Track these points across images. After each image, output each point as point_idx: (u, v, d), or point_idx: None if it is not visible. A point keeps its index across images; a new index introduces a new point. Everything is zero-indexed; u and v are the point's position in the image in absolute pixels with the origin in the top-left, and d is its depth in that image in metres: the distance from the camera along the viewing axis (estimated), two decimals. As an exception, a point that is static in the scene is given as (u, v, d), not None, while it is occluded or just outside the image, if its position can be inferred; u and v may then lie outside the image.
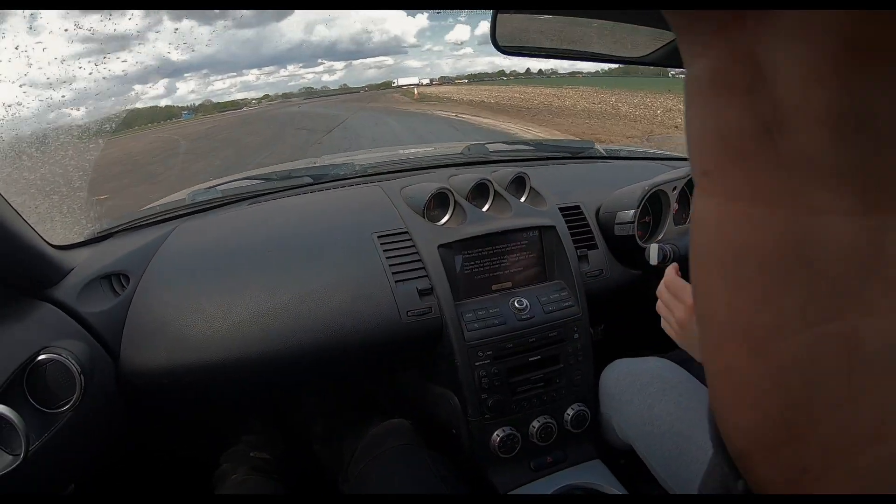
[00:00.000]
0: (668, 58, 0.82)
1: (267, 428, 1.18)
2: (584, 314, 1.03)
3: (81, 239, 1.03)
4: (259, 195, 1.12)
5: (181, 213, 1.08)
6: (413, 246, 0.98)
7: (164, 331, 0.88)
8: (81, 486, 0.80)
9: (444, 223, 1.03)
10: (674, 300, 0.83)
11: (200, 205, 1.10)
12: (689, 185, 1.15)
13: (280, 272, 0.94)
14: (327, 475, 1.15)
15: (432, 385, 1.04)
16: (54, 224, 1.05)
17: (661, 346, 1.19)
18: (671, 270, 0.88)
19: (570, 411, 1.01)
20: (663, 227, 1.12)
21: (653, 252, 1.00)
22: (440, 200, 1.03)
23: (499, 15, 0.79)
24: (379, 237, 0.98)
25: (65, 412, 0.73)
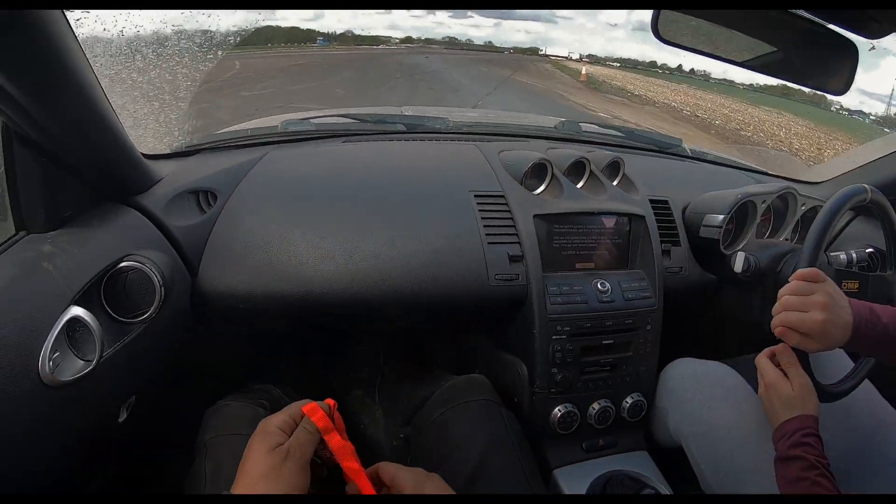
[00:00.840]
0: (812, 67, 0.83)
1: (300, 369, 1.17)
2: (661, 306, 1.03)
3: (169, 150, 1.02)
4: (353, 134, 1.11)
5: (273, 139, 1.07)
6: (508, 211, 0.98)
7: (248, 255, 0.88)
8: (140, 400, 0.79)
9: (540, 193, 1.03)
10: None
11: (293, 135, 1.09)
12: (780, 199, 1.16)
13: (373, 214, 0.94)
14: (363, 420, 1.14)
15: (501, 353, 1.05)
16: (147, 131, 1.04)
17: (722, 352, 1.19)
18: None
19: (629, 399, 1.02)
20: (745, 237, 1.13)
21: (739, 259, 1.01)
22: (537, 171, 1.03)
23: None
24: (476, 196, 0.98)
25: (140, 322, 0.73)
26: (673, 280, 1.07)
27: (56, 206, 0.70)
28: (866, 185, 0.86)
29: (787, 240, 1.19)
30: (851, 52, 0.80)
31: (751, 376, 1.14)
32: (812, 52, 0.82)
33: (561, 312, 0.96)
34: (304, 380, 1.18)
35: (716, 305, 1.16)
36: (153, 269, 0.75)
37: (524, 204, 0.99)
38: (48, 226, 0.69)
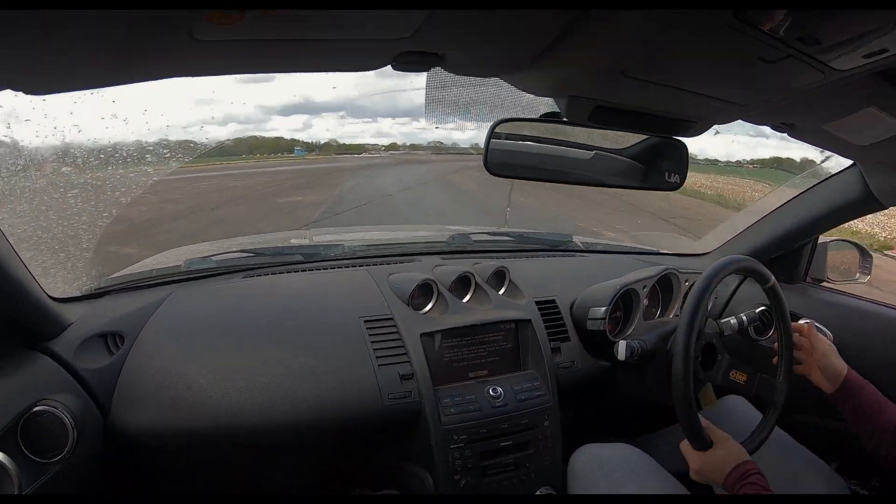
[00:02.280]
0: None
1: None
2: (555, 402, 1.09)
3: (79, 294, 1.07)
4: (253, 269, 1.19)
5: (177, 278, 1.14)
6: (397, 332, 1.05)
7: (155, 394, 0.93)
8: None
9: (427, 311, 1.10)
10: None
11: (196, 272, 1.16)
12: (660, 282, 1.24)
13: (270, 347, 1.00)
14: None
15: (407, 464, 1.09)
16: (56, 278, 1.10)
17: (627, 432, 1.25)
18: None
19: (538, 494, 1.06)
20: (633, 322, 1.20)
21: (621, 348, 1.07)
22: (424, 290, 1.11)
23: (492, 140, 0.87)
24: (366, 322, 1.05)
25: (56, 462, 0.78)
26: (566, 374, 1.14)
27: None
28: (737, 257, 0.95)
29: (676, 316, 1.26)
30: (682, 150, 0.88)
31: (661, 452, 1.20)
32: (648, 160, 0.91)
33: (455, 423, 1.01)
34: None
35: (615, 390, 1.22)
36: (65, 413, 0.80)
37: (411, 324, 1.06)
38: None
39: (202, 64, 0.55)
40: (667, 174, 0.91)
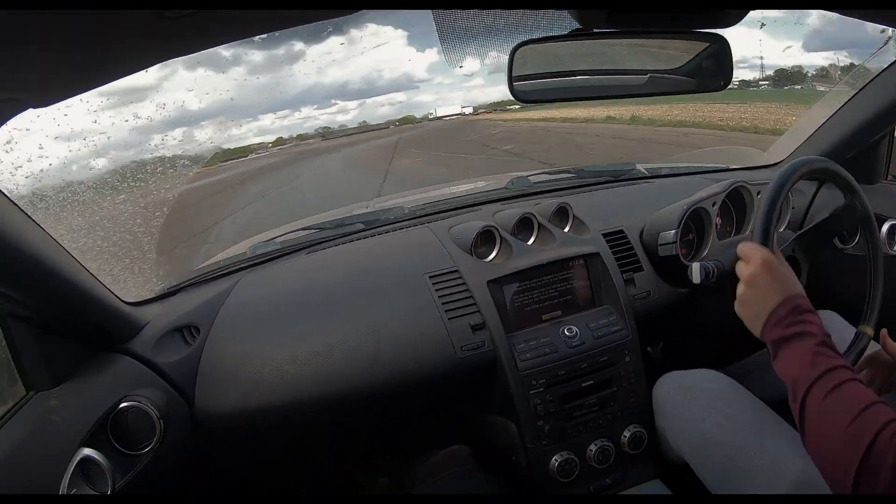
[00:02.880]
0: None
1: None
2: (634, 336, 1.05)
3: (152, 295, 1.11)
4: (316, 244, 1.18)
5: (243, 265, 1.15)
6: (463, 283, 1.02)
7: (234, 377, 0.95)
8: None
9: (492, 259, 1.06)
10: None
11: (261, 257, 1.16)
12: (731, 197, 1.14)
13: (340, 317, 1.00)
14: None
15: (488, 416, 1.08)
16: (127, 284, 1.13)
17: (717, 360, 1.19)
18: None
19: (626, 433, 1.04)
20: (707, 243, 1.12)
21: (695, 271, 1.01)
22: (486, 237, 1.07)
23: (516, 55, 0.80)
24: (431, 277, 1.02)
25: (146, 453, 0.83)
26: (642, 305, 1.08)
27: (56, 365, 0.81)
28: (807, 157, 0.85)
29: (752, 232, 1.17)
30: (723, 45, 0.78)
31: (750, 378, 1.13)
32: (690, 65, 0.82)
33: (533, 367, 0.99)
34: (316, 482, 1.26)
35: (697, 317, 1.15)
36: (150, 405, 0.85)
37: (476, 273, 1.02)
38: (52, 383, 0.80)
39: (186, 40, 0.52)
40: (710, 76, 0.82)
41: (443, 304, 1.00)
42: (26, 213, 0.68)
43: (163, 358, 0.94)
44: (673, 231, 1.06)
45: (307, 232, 1.24)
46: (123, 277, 1.11)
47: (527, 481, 1.02)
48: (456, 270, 1.03)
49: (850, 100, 1.21)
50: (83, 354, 0.86)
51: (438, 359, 0.98)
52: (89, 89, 0.52)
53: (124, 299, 0.97)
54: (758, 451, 0.84)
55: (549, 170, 1.49)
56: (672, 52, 0.83)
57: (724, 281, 1.02)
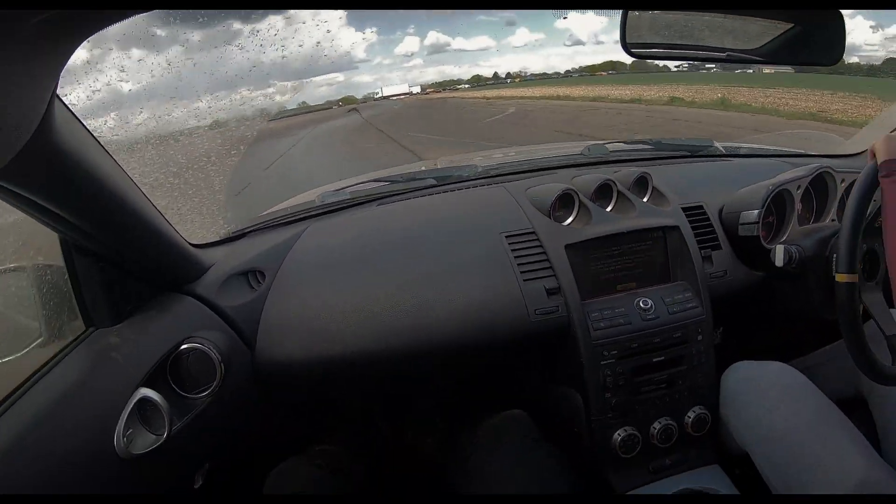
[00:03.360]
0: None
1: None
2: (709, 315, 1.02)
3: (217, 238, 1.10)
4: (386, 196, 1.16)
5: (312, 213, 1.13)
6: (540, 246, 0.99)
7: (299, 325, 0.93)
8: (216, 468, 0.87)
9: (570, 223, 1.04)
10: None
11: (330, 206, 1.14)
12: (814, 183, 1.11)
13: (412, 270, 0.97)
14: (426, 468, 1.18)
15: (553, 386, 1.06)
16: (194, 224, 1.13)
17: (784, 351, 1.16)
18: None
19: (690, 414, 1.01)
20: (787, 227, 1.09)
21: (779, 253, 0.99)
22: (565, 201, 1.04)
23: (629, 15, 0.79)
24: (507, 237, 1.00)
25: (204, 398, 0.81)
26: (719, 285, 1.05)
27: (118, 302, 0.79)
28: None
29: (833, 220, 1.13)
30: (839, 20, 0.77)
31: (820, 372, 1.10)
32: (800, 30, 0.79)
33: (605, 337, 0.96)
34: (365, 439, 1.25)
35: (771, 303, 1.12)
36: (211, 348, 0.83)
37: (554, 236, 1.00)
38: (113, 320, 0.78)
39: None
40: (822, 49, 0.80)
41: (518, 265, 0.98)
42: (99, 142, 0.66)
43: (226, 301, 0.92)
44: (756, 211, 1.03)
45: (377, 184, 1.22)
46: (191, 218, 1.10)
47: (588, 453, 1.00)
48: (533, 232, 1.01)
49: None
50: (146, 293, 0.84)
51: (511, 320, 0.95)
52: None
53: (190, 241, 0.96)
54: (822, 448, 0.82)
55: (626, 139, 1.46)
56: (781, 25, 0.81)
57: (805, 267, 1.00)
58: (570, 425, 1.02)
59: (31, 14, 0.32)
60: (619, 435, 0.98)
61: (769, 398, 0.92)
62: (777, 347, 1.16)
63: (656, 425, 1.00)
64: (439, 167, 1.35)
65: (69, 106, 0.59)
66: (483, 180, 1.19)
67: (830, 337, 1.11)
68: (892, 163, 0.76)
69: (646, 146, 1.40)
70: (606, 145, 1.33)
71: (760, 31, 0.83)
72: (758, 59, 0.84)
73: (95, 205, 0.67)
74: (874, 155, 0.80)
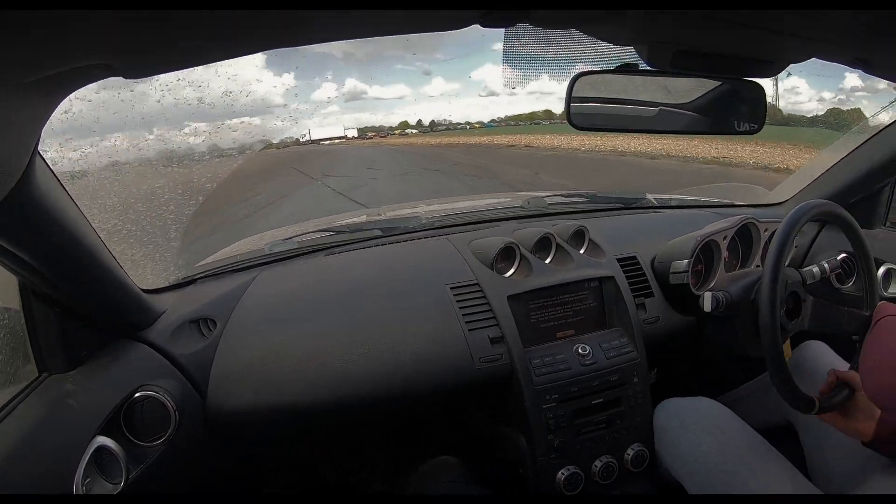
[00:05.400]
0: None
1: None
2: (643, 359, 1.09)
3: (168, 284, 1.11)
4: (334, 246, 1.20)
5: (261, 261, 1.16)
6: (484, 297, 1.05)
7: (249, 373, 0.96)
8: None
9: (511, 275, 1.10)
10: None
11: (279, 255, 1.18)
12: (740, 233, 1.21)
13: (360, 321, 1.02)
14: None
15: (500, 426, 1.10)
16: (146, 270, 1.14)
17: (713, 387, 1.23)
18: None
19: (630, 451, 1.07)
20: (715, 274, 1.17)
21: (707, 300, 1.06)
22: (507, 254, 1.11)
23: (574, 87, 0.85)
24: (452, 288, 1.05)
25: (159, 445, 0.83)
26: (652, 330, 1.13)
27: (72, 348, 0.81)
28: (817, 201, 0.91)
29: (758, 266, 1.23)
30: (760, 93, 0.84)
31: (745, 405, 1.18)
32: (723, 104, 0.88)
33: (547, 382, 1.02)
34: (312, 483, 1.26)
35: (702, 344, 1.20)
36: (166, 396, 0.85)
37: (497, 288, 1.06)
38: (68, 366, 0.80)
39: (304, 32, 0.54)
40: (742, 120, 0.88)
41: (463, 315, 1.03)
42: (64, 187, 0.68)
43: (179, 349, 0.94)
44: (685, 261, 1.12)
45: (324, 234, 1.26)
46: (143, 263, 1.12)
47: (532, 494, 1.04)
48: (477, 283, 1.06)
49: (857, 147, 1.28)
50: (100, 340, 0.86)
51: (457, 368, 1.00)
52: (185, 68, 0.54)
53: (141, 286, 0.97)
54: (750, 476, 0.89)
55: (562, 192, 1.54)
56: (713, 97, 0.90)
57: (731, 311, 1.08)
58: (515, 466, 1.06)
59: (24, 74, 0.35)
60: (562, 474, 1.03)
61: (696, 432, 0.99)
62: (709, 384, 1.24)
63: (598, 463, 1.05)
64: (384, 218, 1.40)
65: (47, 161, 0.62)
66: (428, 231, 1.25)
67: (757, 372, 1.19)
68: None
69: (582, 199, 1.49)
70: (545, 198, 1.41)
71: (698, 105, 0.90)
72: (688, 131, 0.93)
73: (63, 254, 0.70)
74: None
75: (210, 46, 0.50)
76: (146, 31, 0.41)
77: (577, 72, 0.80)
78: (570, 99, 0.78)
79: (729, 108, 0.88)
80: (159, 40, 0.44)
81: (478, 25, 0.60)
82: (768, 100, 0.88)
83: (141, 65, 0.48)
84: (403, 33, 0.66)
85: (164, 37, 0.44)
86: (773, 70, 0.80)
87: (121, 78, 0.48)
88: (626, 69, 0.79)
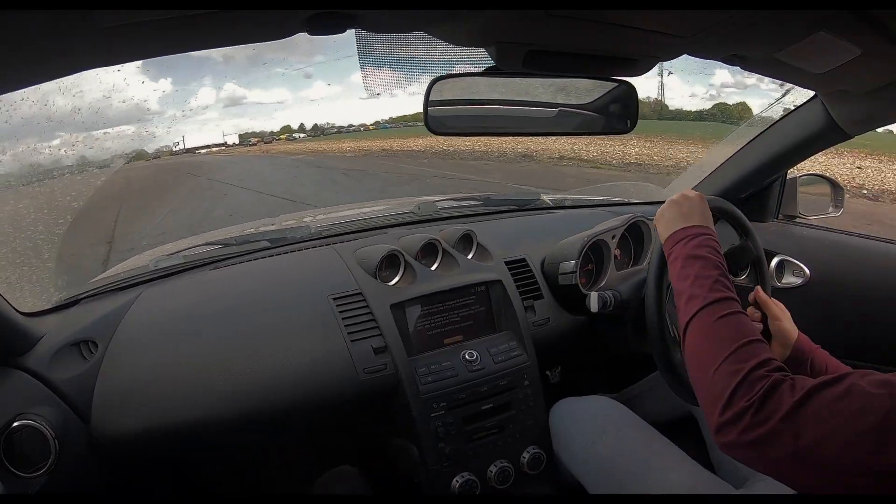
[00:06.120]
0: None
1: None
2: (533, 361, 1.10)
3: (49, 306, 1.07)
4: (220, 260, 1.17)
5: (146, 278, 1.12)
6: (366, 306, 1.04)
7: (132, 396, 0.93)
8: None
9: (396, 283, 1.09)
10: None
11: (163, 271, 1.14)
12: (630, 230, 1.23)
13: (244, 336, 0.99)
14: None
15: (392, 438, 1.09)
16: (24, 292, 1.09)
17: (612, 385, 1.25)
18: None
19: (525, 454, 1.07)
20: (605, 273, 1.19)
21: (593, 300, 1.07)
22: (391, 261, 1.10)
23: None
24: (334, 299, 1.04)
25: (40, 476, 0.79)
26: (541, 332, 1.14)
27: None
28: (707, 197, 0.91)
29: (649, 263, 1.25)
30: (632, 92, 0.86)
31: (641, 401, 1.20)
32: (595, 104, 0.89)
33: (433, 390, 1.01)
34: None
35: (595, 343, 1.22)
36: (44, 424, 0.80)
37: (380, 297, 1.05)
38: None
39: (107, 52, 0.53)
40: (614, 119, 0.90)
41: (346, 325, 1.02)
42: None
43: (59, 374, 0.90)
44: (573, 262, 1.13)
45: (211, 247, 1.23)
46: (20, 285, 1.07)
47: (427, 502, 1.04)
48: (360, 293, 1.05)
49: (747, 144, 1.31)
50: None
51: (341, 380, 0.99)
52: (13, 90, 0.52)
53: (19, 309, 0.93)
54: (645, 470, 0.90)
55: (456, 196, 1.54)
56: (582, 95, 0.91)
57: (622, 310, 1.09)
58: (409, 476, 1.06)
59: None
60: (457, 481, 1.02)
61: (592, 430, 0.99)
62: (609, 382, 1.26)
63: (493, 469, 1.05)
64: (274, 228, 1.38)
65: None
66: (315, 241, 1.23)
67: (648, 370, 1.22)
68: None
69: (475, 202, 1.49)
70: (436, 203, 1.41)
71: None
72: (560, 131, 0.94)
73: None
74: None
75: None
76: None
77: (435, 76, 0.81)
78: (427, 103, 0.79)
79: (600, 108, 0.90)
80: None
81: (305, 34, 0.59)
82: (652, 96, 0.90)
83: None
84: (225, 45, 0.65)
85: None
86: (638, 68, 0.81)
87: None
88: (491, 72, 0.80)
